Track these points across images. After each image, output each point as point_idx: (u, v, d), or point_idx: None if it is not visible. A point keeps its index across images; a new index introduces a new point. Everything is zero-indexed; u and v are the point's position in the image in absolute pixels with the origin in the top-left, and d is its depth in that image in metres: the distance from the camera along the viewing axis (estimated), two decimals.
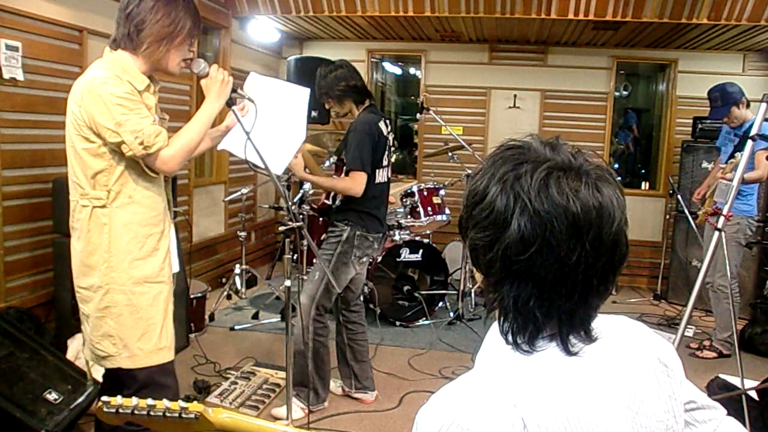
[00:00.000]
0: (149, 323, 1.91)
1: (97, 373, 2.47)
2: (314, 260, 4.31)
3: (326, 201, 3.35)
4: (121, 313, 1.87)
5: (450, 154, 4.94)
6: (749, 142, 2.58)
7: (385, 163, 3.04)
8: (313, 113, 4.92)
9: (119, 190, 1.85)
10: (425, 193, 4.63)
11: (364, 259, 3.05)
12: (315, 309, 2.93)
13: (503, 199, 0.74)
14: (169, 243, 2.00)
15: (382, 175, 3.03)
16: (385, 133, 3.00)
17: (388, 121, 3.07)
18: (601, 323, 0.81)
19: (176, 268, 2.07)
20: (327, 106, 3.09)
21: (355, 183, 2.86)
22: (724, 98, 3.80)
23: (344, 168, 2.97)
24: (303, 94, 2.47)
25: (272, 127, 2.34)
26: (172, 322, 2.00)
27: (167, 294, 1.97)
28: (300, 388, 2.99)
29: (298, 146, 2.51)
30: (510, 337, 0.77)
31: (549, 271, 0.72)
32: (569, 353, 0.76)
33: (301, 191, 4.43)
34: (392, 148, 3.14)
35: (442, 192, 4.72)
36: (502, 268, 0.75)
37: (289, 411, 2.38)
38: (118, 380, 1.95)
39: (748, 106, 3.80)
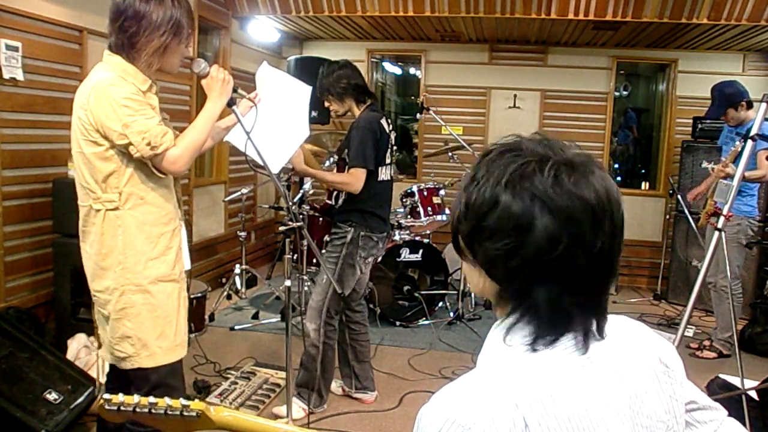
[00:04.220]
0: (166, 321, 1.92)
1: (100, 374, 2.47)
2: (314, 260, 4.31)
3: (328, 201, 3.35)
4: (139, 312, 1.88)
5: (450, 154, 4.94)
6: (749, 142, 2.58)
7: (387, 160, 3.04)
8: (313, 113, 4.91)
9: (131, 192, 1.85)
10: (425, 193, 4.63)
11: (370, 260, 3.06)
12: (326, 312, 2.93)
13: (518, 201, 0.73)
14: (180, 241, 2.00)
15: (385, 173, 3.03)
16: (387, 130, 3.00)
17: (389, 120, 3.08)
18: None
19: (188, 266, 2.08)
20: (327, 104, 3.08)
21: (354, 179, 2.86)
22: (720, 99, 3.78)
23: (346, 167, 2.97)
24: (306, 91, 2.47)
25: (277, 119, 2.34)
26: (185, 318, 2.01)
27: (179, 291, 1.98)
28: (302, 388, 2.99)
29: (301, 142, 2.51)
30: (530, 339, 0.75)
31: (580, 262, 0.73)
32: (586, 345, 0.76)
33: (301, 191, 4.42)
34: (394, 147, 3.14)
35: (442, 192, 4.72)
36: (532, 272, 0.73)
37: (289, 410, 2.37)
38: (125, 381, 1.95)
39: (750, 107, 3.78)
